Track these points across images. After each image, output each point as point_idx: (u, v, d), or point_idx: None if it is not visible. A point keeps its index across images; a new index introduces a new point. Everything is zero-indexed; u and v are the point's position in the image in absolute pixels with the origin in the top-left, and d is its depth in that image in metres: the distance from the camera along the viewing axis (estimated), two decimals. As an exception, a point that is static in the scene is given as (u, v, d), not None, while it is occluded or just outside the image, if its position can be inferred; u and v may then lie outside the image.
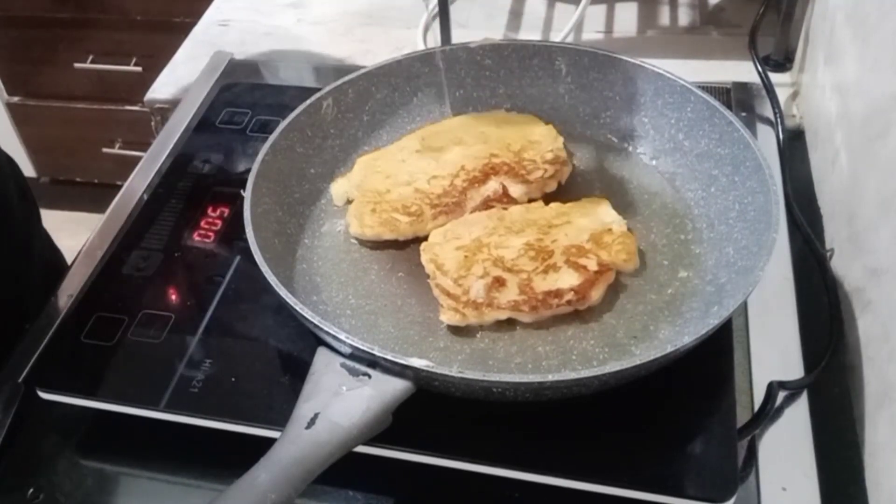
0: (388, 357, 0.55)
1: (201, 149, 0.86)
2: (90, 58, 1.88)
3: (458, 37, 0.96)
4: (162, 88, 1.03)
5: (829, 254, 0.74)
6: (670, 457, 0.57)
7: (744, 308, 0.70)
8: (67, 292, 0.76)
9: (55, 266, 0.96)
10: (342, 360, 0.57)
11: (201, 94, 0.96)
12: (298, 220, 0.74)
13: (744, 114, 0.88)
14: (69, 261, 0.80)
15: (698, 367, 0.60)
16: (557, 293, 0.65)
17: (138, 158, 0.91)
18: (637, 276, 0.68)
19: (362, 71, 0.80)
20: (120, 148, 2.05)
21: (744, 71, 0.94)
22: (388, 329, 0.66)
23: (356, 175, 0.77)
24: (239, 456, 0.54)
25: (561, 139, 0.78)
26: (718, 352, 0.62)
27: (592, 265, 0.66)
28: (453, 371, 0.54)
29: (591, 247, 0.68)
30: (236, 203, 0.78)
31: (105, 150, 2.06)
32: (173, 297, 0.71)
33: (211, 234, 0.76)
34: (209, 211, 0.78)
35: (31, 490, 0.62)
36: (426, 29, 1.08)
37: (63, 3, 1.88)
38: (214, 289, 0.71)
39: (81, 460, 0.65)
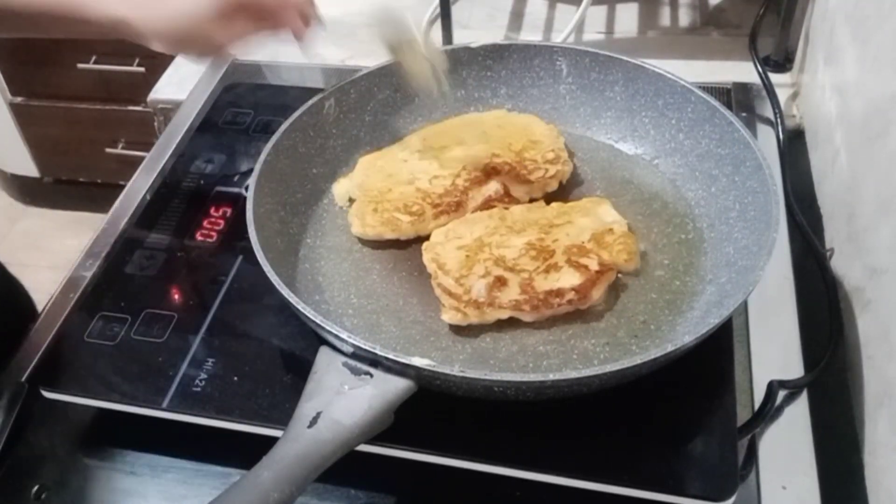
0: (390, 356, 0.55)
1: (204, 149, 0.86)
2: (93, 58, 1.88)
3: (459, 37, 0.97)
4: (165, 89, 1.03)
5: (828, 253, 0.74)
6: (671, 455, 0.57)
7: (744, 307, 0.70)
8: (71, 293, 0.77)
9: (14, 304, 0.87)
10: (344, 359, 0.58)
11: (204, 95, 0.97)
12: (301, 219, 0.74)
13: (744, 114, 0.89)
14: (67, 267, 0.80)
15: (699, 366, 0.60)
16: (559, 292, 0.65)
17: (141, 158, 0.92)
18: (638, 275, 0.68)
19: (364, 71, 0.80)
20: (123, 148, 2.05)
21: (744, 71, 0.94)
22: (390, 328, 0.66)
23: (358, 175, 0.77)
24: (241, 454, 0.54)
25: (562, 139, 0.79)
26: (719, 351, 0.62)
27: (593, 265, 0.66)
28: (455, 370, 0.54)
29: (592, 246, 0.68)
30: (239, 203, 0.79)
31: (108, 150, 2.06)
32: (176, 296, 0.71)
33: (213, 233, 0.76)
34: (212, 211, 0.78)
35: (36, 488, 0.63)
36: (428, 29, 1.08)
37: (66, 4, 1.88)
38: (217, 288, 0.71)
39: (85, 458, 0.65)
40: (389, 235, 0.72)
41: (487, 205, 0.74)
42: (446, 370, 0.54)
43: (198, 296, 0.71)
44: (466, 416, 0.60)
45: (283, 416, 0.57)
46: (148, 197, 0.84)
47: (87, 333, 0.67)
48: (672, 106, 0.76)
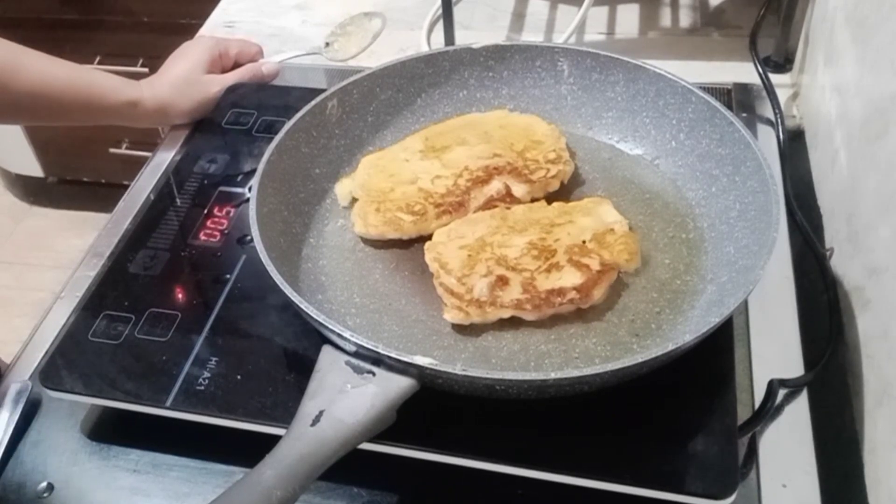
0: (393, 355, 0.55)
1: (207, 149, 0.86)
2: (97, 59, 1.88)
3: (461, 38, 0.97)
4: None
5: (828, 253, 0.74)
6: (672, 454, 0.58)
7: (744, 306, 0.70)
8: (75, 292, 0.77)
9: None
10: (347, 358, 0.58)
11: (207, 95, 0.97)
12: (304, 219, 0.75)
13: (744, 114, 0.89)
14: (71, 267, 0.81)
15: (699, 364, 0.60)
16: (560, 292, 0.65)
17: (145, 158, 0.92)
18: (639, 275, 0.69)
19: (367, 72, 0.80)
20: (127, 148, 2.06)
21: (744, 72, 0.94)
22: (393, 327, 0.66)
23: (360, 175, 0.77)
24: (245, 453, 0.55)
25: (563, 139, 0.79)
26: (719, 350, 0.62)
27: (595, 264, 0.67)
28: (457, 369, 0.54)
29: (593, 246, 0.69)
30: (242, 203, 0.79)
31: (112, 150, 2.06)
32: (180, 295, 0.72)
33: (217, 233, 0.76)
34: (215, 210, 0.79)
35: (40, 486, 0.63)
36: (430, 30, 1.09)
37: (70, 5, 1.89)
38: (220, 288, 0.71)
39: (89, 457, 0.65)
40: (392, 235, 0.73)
41: (489, 204, 0.75)
42: (448, 369, 0.54)
43: (201, 295, 0.71)
44: (468, 415, 0.60)
45: (285, 415, 0.57)
46: (152, 197, 0.84)
47: (91, 332, 0.68)
48: (673, 106, 0.77)
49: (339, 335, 0.57)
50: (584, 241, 0.69)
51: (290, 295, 0.59)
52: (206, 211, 0.79)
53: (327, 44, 1.01)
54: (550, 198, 0.75)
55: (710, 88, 0.88)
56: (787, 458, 0.62)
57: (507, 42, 0.84)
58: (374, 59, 0.99)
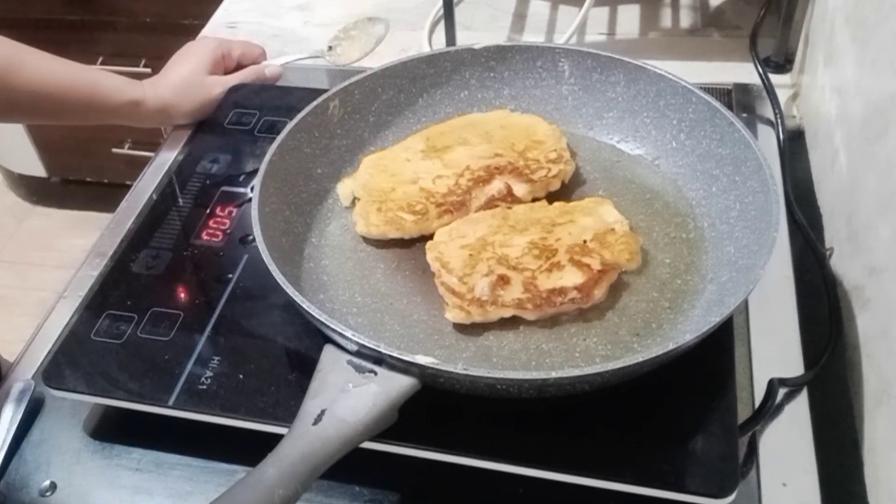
0: (394, 354, 0.55)
1: (210, 149, 0.87)
2: (100, 59, 1.89)
3: (462, 39, 0.97)
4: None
5: (828, 252, 0.74)
6: (672, 453, 0.58)
7: (745, 306, 0.70)
8: (78, 292, 0.77)
9: None
10: (349, 357, 0.58)
11: (209, 96, 0.97)
12: (305, 219, 0.75)
13: (744, 114, 0.89)
14: (74, 266, 0.81)
15: (700, 364, 0.61)
16: (561, 291, 0.66)
17: (147, 158, 0.93)
18: (639, 274, 0.69)
19: (368, 72, 0.81)
20: (129, 148, 2.06)
21: (744, 72, 0.95)
22: (394, 327, 0.67)
23: (362, 175, 0.77)
24: (247, 452, 0.55)
25: (564, 139, 0.79)
26: (720, 349, 0.63)
27: (596, 264, 0.67)
28: (458, 368, 0.55)
29: (594, 246, 0.69)
30: (244, 203, 0.79)
31: (115, 150, 2.07)
32: (182, 295, 0.72)
33: (219, 233, 0.77)
34: (217, 210, 0.79)
35: (43, 485, 0.64)
36: (431, 31, 1.09)
37: (72, 6, 1.89)
38: (222, 287, 0.72)
39: (91, 456, 0.66)
40: (393, 234, 0.73)
41: (490, 204, 0.75)
42: (450, 368, 0.54)
43: (203, 295, 0.72)
44: (469, 414, 0.60)
45: (288, 414, 0.57)
46: (154, 197, 0.85)
47: (94, 332, 0.68)
48: (673, 106, 0.77)
49: (341, 335, 0.57)
50: (585, 241, 0.69)
51: (291, 294, 0.60)
52: (208, 211, 0.79)
53: (330, 47, 1.01)
54: (551, 197, 0.76)
55: (711, 89, 0.88)
56: (787, 457, 0.62)
57: (509, 42, 0.85)
58: (376, 59, 0.99)
